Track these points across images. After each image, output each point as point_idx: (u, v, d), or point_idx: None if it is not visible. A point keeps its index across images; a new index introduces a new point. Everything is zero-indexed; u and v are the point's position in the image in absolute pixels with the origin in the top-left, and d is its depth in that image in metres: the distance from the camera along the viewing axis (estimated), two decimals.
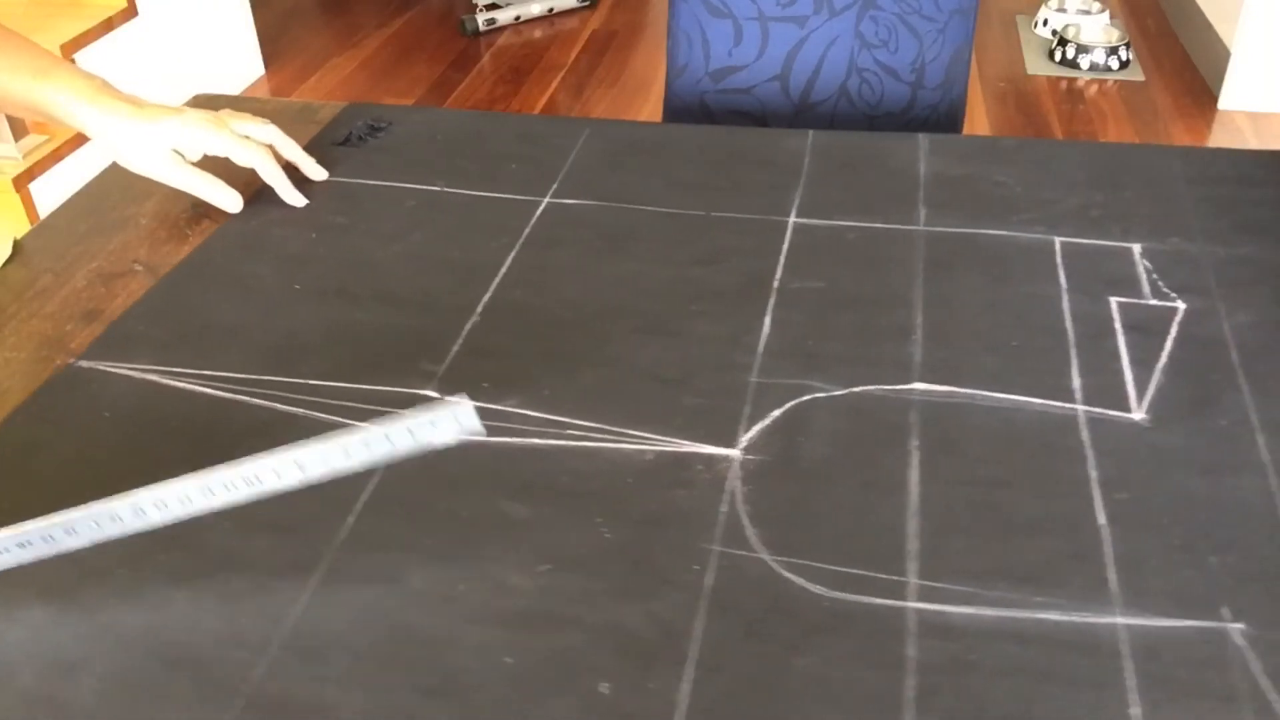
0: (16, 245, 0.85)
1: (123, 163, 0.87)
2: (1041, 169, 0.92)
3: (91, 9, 2.00)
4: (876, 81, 1.24)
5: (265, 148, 0.89)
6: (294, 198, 0.90)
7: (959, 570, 0.57)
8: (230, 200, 0.88)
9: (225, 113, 0.90)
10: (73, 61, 0.91)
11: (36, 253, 0.84)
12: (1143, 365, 0.71)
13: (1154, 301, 0.76)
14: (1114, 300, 0.76)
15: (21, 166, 1.89)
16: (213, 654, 0.53)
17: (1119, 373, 0.70)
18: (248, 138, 0.89)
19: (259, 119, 0.91)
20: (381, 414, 0.67)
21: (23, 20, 1.89)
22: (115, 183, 0.94)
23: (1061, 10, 3.10)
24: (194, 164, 0.88)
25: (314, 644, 0.53)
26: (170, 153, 0.86)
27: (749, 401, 0.68)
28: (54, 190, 1.95)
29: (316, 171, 0.93)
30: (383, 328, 0.75)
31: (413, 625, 0.54)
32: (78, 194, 0.93)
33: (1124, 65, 2.93)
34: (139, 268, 0.82)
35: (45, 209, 1.94)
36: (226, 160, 0.88)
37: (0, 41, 0.85)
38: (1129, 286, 0.78)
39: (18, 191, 1.90)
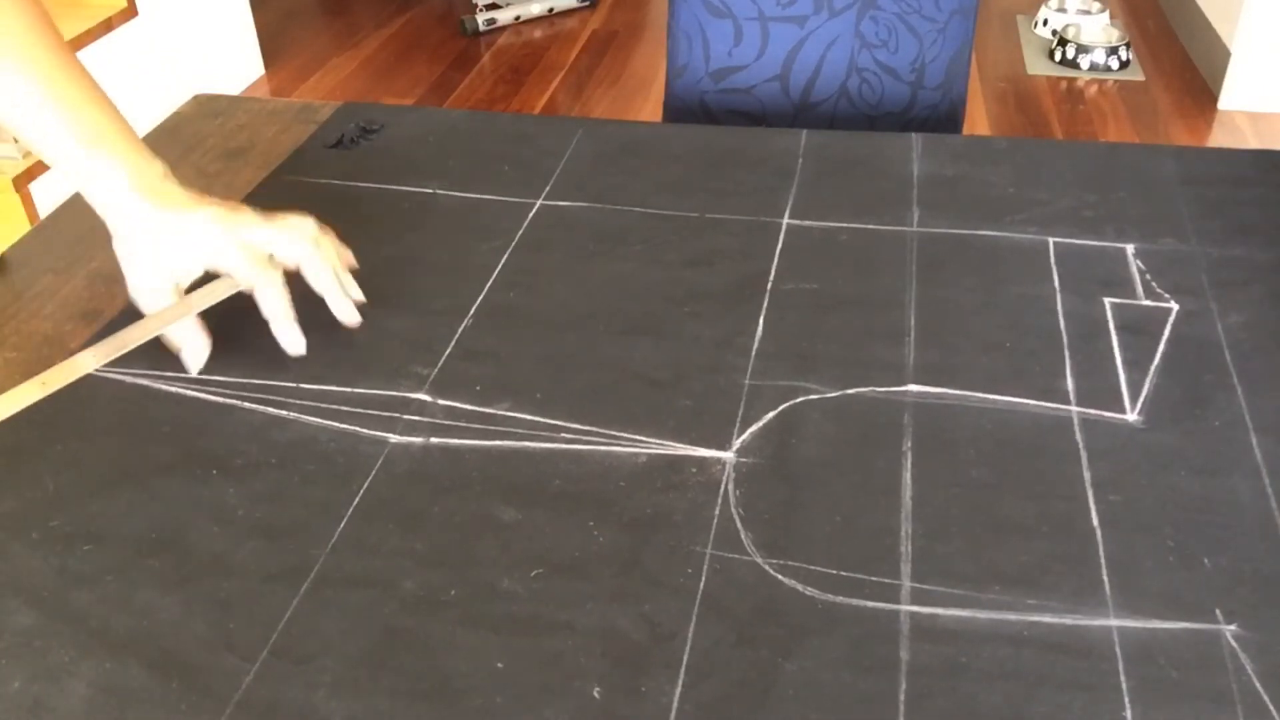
0: (2, 261, 0.84)
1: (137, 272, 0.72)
2: (1035, 169, 0.92)
3: (91, 9, 1.99)
4: (876, 81, 1.24)
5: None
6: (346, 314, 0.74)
7: (952, 573, 0.57)
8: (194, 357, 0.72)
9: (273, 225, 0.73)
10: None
11: (36, 253, 0.84)
12: (1136, 366, 0.70)
13: (1148, 302, 0.76)
14: (1108, 301, 0.76)
15: (21, 166, 1.89)
16: (202, 660, 0.53)
17: (1113, 374, 0.70)
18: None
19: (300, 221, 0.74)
20: (372, 418, 0.68)
21: None
22: None
23: (1061, 10, 3.10)
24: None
25: (304, 649, 0.53)
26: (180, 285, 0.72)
27: (742, 403, 0.68)
28: (54, 190, 1.95)
29: (346, 312, 0.74)
30: (374, 331, 0.75)
31: (403, 630, 0.54)
32: (78, 194, 0.93)
33: (1124, 65, 2.93)
34: None
35: (45, 209, 1.94)
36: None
37: (53, 91, 0.69)
38: (1123, 287, 0.78)
39: (18, 191, 1.89)
